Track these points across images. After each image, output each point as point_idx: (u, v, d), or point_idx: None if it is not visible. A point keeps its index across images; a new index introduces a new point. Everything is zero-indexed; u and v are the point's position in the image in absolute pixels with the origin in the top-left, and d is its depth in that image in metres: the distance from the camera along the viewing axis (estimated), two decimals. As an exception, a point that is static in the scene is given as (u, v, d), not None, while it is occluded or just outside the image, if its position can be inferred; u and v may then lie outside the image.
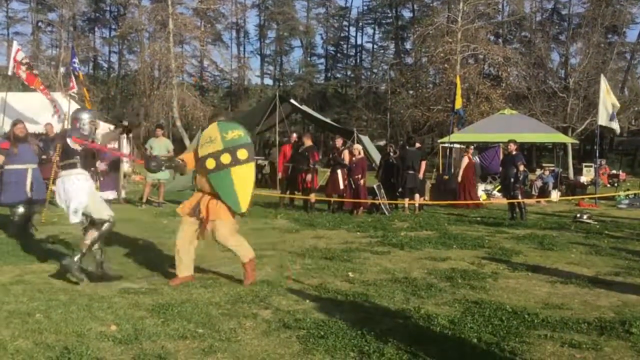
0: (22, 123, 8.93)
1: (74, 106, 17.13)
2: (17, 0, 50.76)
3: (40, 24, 49.09)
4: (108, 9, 53.81)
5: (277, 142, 18.76)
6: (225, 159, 5.74)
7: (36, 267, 6.46)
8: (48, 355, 3.80)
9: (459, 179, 14.86)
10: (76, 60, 17.51)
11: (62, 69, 36.65)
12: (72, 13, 46.76)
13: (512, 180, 12.15)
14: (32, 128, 17.21)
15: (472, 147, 16.44)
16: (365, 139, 19.97)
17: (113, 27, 52.18)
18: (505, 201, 13.00)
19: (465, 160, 15.08)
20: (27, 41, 45.24)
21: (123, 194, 13.79)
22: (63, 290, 5.45)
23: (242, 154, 5.80)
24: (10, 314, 4.67)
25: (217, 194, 5.75)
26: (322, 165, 16.06)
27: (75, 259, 5.81)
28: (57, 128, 14.14)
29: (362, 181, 12.57)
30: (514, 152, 12.49)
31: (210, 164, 5.76)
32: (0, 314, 4.67)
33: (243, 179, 5.80)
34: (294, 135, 14.61)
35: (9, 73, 17.90)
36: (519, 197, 12.12)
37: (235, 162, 5.74)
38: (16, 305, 4.92)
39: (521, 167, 12.17)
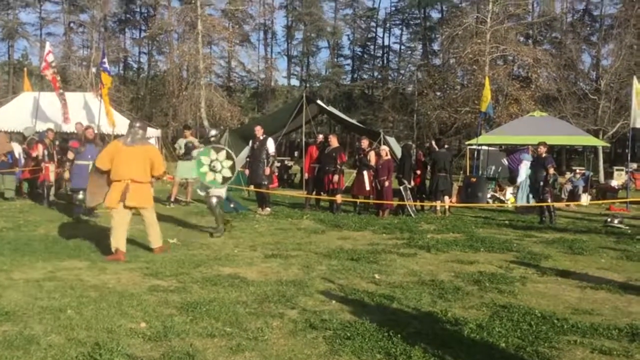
0: (91, 128, 11.37)
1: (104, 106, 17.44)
2: (49, 1, 51.92)
3: (72, 24, 50.05)
4: (138, 10, 54.56)
5: (304, 143, 18.81)
6: None
7: (68, 264, 6.59)
8: (80, 351, 3.88)
9: None
10: (105, 60, 17.61)
11: (93, 69, 37.33)
12: (103, 14, 47.55)
13: (542, 183, 12.00)
14: (59, 127, 17.60)
15: None
16: (392, 140, 19.90)
17: (143, 28, 52.98)
18: (534, 205, 12.82)
19: None
20: (59, 42, 46.28)
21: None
22: (94, 287, 5.56)
23: None
24: (42, 310, 4.78)
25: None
26: (348, 167, 16.05)
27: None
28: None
29: (388, 182, 12.52)
30: (544, 155, 12.32)
31: None
32: (33, 310, 4.77)
33: None
34: (320, 136, 14.62)
35: (42, 73, 18.29)
36: (549, 200, 11.95)
37: None
38: (48, 302, 5.03)
39: (551, 170, 12.00)
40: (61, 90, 17.83)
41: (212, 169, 8.87)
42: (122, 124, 18.63)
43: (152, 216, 7.51)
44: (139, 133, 7.48)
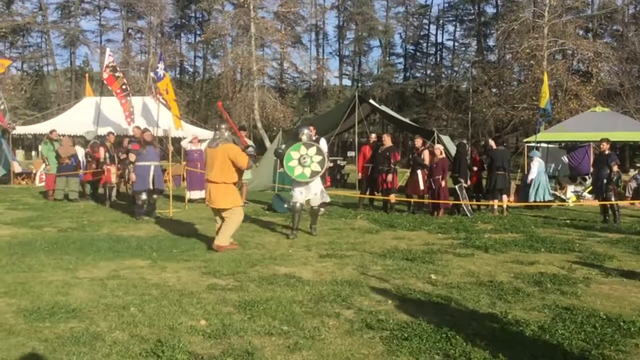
0: (149, 130, 11.71)
1: (163, 110, 17.91)
2: (108, 9, 53.78)
3: (130, 31, 51.67)
4: (193, 15, 55.82)
5: (357, 143, 18.77)
6: None
7: (130, 263, 6.80)
8: (143, 347, 3.99)
9: None
10: (159, 66, 17.53)
11: (151, 74, 38.40)
12: (159, 20, 48.89)
13: (605, 181, 11.56)
14: (123, 131, 18.18)
15: None
16: (446, 138, 19.60)
17: (198, 32, 54.07)
18: (596, 203, 12.38)
19: None
20: (118, 48, 47.84)
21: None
22: (155, 285, 5.71)
23: None
24: (107, 307, 4.94)
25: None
26: (401, 166, 15.91)
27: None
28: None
29: (443, 182, 12.35)
30: (607, 152, 11.86)
31: None
32: (98, 307, 4.95)
33: None
34: (373, 135, 14.55)
35: (103, 78, 18.90)
36: (612, 199, 11.51)
37: None
38: (112, 299, 5.20)
39: (615, 168, 11.55)
40: (125, 88, 18.15)
41: (301, 163, 9.11)
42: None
43: (229, 218, 7.72)
44: (225, 134, 7.78)
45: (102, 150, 13.59)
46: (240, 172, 7.94)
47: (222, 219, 7.84)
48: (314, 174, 9.16)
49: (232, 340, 4.17)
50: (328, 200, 9.77)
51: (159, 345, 3.99)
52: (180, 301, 5.14)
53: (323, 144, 12.58)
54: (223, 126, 7.89)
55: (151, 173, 11.02)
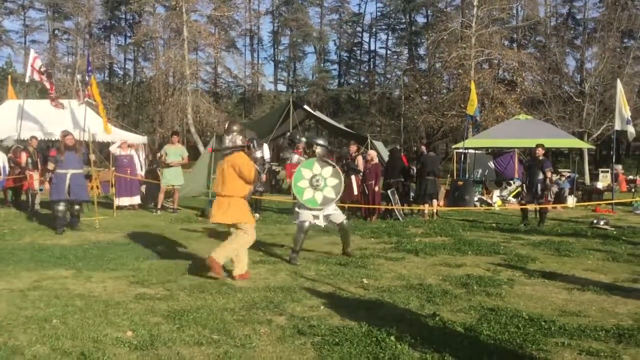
0: (71, 134, 10.39)
1: (90, 113, 17.29)
2: (34, 8, 51.54)
3: (56, 32, 49.73)
4: (123, 16, 54.33)
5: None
6: None
7: (53, 273, 6.52)
8: (65, 361, 3.83)
9: None
10: (91, 68, 16.91)
11: (78, 77, 37.07)
12: (88, 21, 47.34)
13: (541, 186, 11.96)
14: (45, 135, 17.46)
15: None
16: (379, 144, 19.94)
17: (128, 34, 52.73)
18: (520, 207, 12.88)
19: None
20: (43, 49, 45.91)
21: (138, 200, 13.93)
22: (79, 296, 5.50)
23: None
24: (27, 320, 4.72)
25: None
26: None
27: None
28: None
29: (376, 187, 12.54)
30: (541, 157, 12.30)
31: None
32: (18, 320, 4.72)
33: None
34: (303, 139, 14.57)
35: (27, 80, 18.04)
36: (545, 204, 11.94)
37: None
38: (33, 311, 4.97)
39: (549, 174, 11.96)
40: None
41: (312, 185, 7.67)
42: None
43: (237, 238, 6.57)
44: (237, 140, 6.47)
45: (24, 155, 12.98)
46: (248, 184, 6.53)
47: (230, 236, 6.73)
48: (326, 200, 7.67)
49: (159, 351, 4.06)
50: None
51: (82, 359, 3.85)
52: (105, 312, 4.97)
53: (265, 149, 12.53)
54: (235, 128, 6.45)
55: (67, 182, 9.86)
